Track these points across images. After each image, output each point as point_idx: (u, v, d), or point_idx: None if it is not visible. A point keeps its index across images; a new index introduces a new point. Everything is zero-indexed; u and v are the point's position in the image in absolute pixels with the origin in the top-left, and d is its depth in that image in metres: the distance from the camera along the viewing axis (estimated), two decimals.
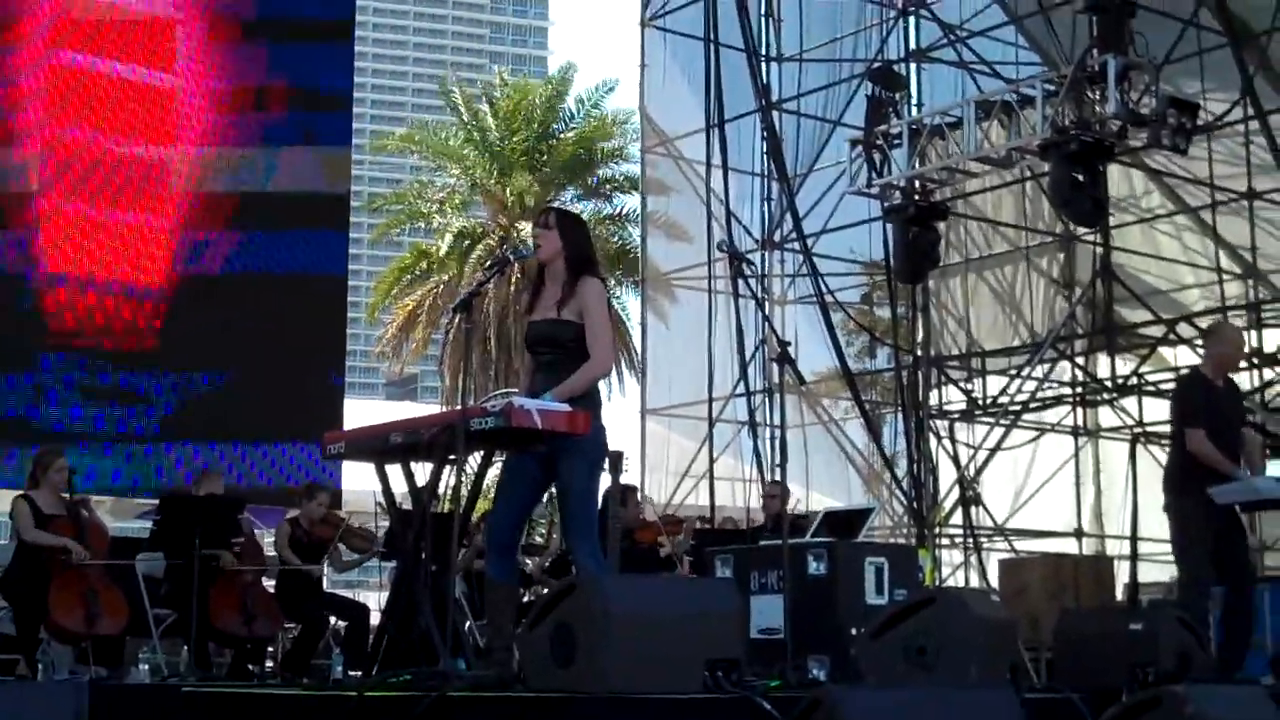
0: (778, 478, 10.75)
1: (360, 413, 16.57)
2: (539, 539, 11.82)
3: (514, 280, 27.01)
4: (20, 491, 9.23)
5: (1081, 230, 16.07)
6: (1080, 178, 12.75)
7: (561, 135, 31.63)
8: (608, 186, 31.66)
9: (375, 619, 10.24)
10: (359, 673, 8.10)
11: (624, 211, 30.81)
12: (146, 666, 10.23)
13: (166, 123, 15.52)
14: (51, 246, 14.77)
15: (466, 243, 30.65)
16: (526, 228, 27.36)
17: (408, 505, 6.28)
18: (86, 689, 6.04)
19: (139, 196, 15.32)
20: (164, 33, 15.57)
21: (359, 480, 12.84)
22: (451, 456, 5.83)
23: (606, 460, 6.24)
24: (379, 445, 6.22)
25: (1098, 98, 12.54)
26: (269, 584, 10.04)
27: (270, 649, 10.20)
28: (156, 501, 11.28)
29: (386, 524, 10.47)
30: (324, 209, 16.10)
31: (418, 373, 61.45)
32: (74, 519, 9.03)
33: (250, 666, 9.57)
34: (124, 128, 15.30)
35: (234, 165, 15.64)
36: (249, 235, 15.52)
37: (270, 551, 10.51)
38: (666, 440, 17.96)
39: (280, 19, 15.81)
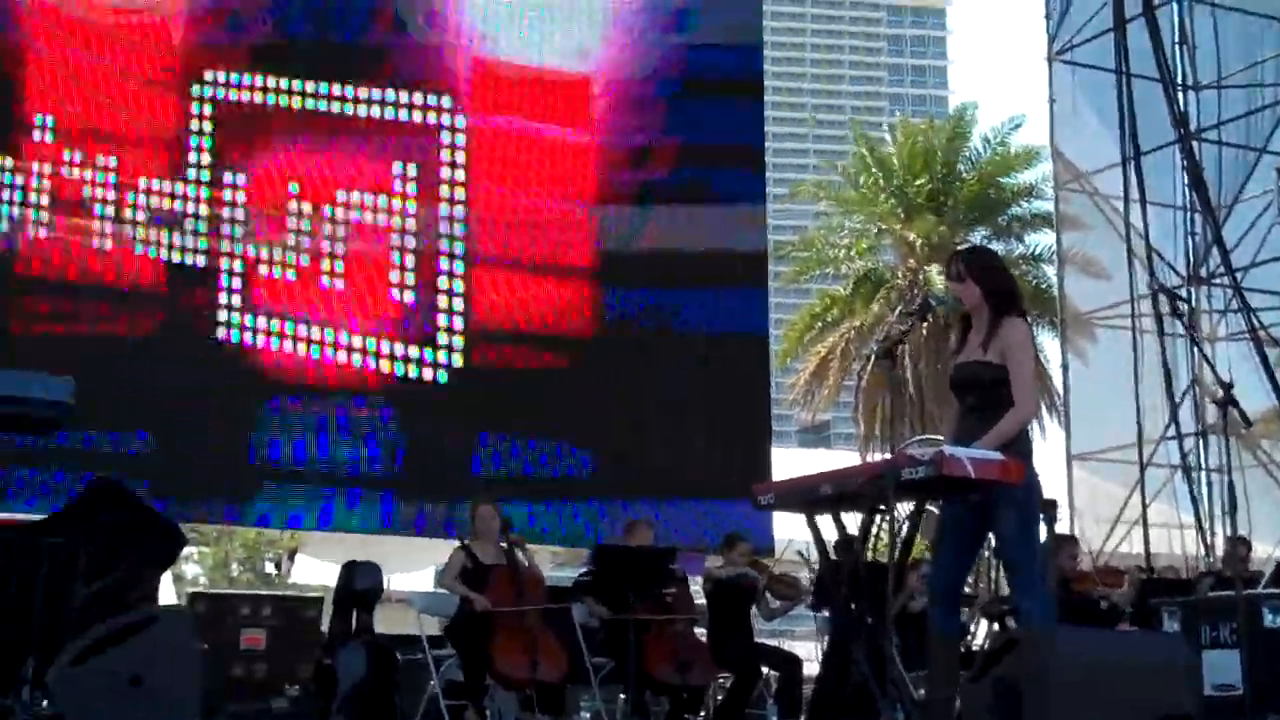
0: (1230, 530, 10.33)
1: (776, 461, 16.61)
2: (966, 589, 11.60)
3: (927, 325, 26.71)
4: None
5: None
6: None
7: (966, 175, 31.20)
8: (1018, 225, 31.01)
9: (808, 669, 10.28)
10: None
11: (1036, 250, 30.18)
12: (588, 715, 10.50)
13: (583, 179, 15.97)
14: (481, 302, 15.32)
15: (869, 286, 30.56)
16: (934, 269, 27.13)
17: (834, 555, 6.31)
18: None
19: (556, 250, 15.72)
20: (580, 91, 16.04)
21: (781, 529, 12.94)
22: (881, 506, 5.83)
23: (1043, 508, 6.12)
24: (809, 495, 6.26)
25: None
26: (701, 633, 10.17)
27: (704, 698, 10.33)
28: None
29: (812, 573, 10.56)
30: (741, 266, 16.19)
31: (830, 419, 61.48)
32: (513, 566, 9.31)
33: (686, 715, 9.72)
34: (544, 184, 15.76)
35: (646, 223, 15.92)
36: (664, 293, 15.74)
37: (699, 600, 10.65)
38: (1094, 486, 17.38)
39: (693, 77, 16.08)
